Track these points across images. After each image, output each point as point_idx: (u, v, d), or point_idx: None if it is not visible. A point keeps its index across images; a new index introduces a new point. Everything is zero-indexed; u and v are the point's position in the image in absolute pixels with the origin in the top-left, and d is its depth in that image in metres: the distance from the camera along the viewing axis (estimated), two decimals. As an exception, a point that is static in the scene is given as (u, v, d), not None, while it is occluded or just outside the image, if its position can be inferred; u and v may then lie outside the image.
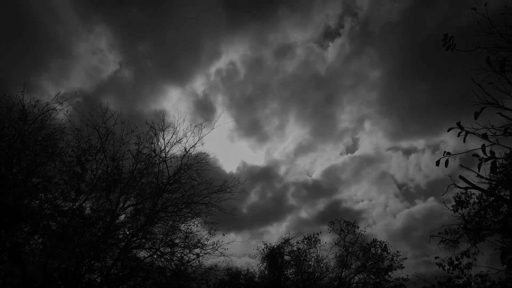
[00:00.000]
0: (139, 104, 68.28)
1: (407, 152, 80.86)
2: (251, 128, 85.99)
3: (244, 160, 79.17)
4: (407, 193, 74.04)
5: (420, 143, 74.93)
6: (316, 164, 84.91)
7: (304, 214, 66.69)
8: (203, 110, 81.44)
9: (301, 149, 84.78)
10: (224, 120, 58.16)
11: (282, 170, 77.91)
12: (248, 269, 25.34)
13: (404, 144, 78.87)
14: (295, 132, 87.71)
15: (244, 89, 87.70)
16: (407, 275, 23.63)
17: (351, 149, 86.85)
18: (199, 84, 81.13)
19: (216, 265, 16.27)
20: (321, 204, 69.60)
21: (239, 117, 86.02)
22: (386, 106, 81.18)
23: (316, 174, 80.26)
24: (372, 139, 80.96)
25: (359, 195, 75.29)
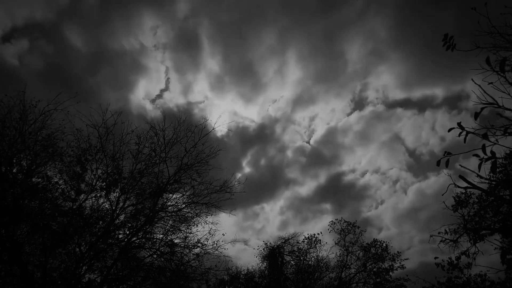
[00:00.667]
0: (108, 37, 57.16)
1: (421, 107, 68.66)
2: (243, 72, 71.35)
3: (236, 118, 67.31)
4: (419, 161, 65.17)
5: (437, 92, 63.75)
6: (317, 122, 74.46)
7: (302, 190, 61.50)
8: (186, 44, 66.42)
9: (301, 102, 72.46)
10: (224, 121, 56.85)
11: (278, 130, 67.03)
12: (248, 269, 25.40)
13: (418, 93, 65.64)
14: (294, 75, 73.56)
15: (233, 16, 67.68)
16: (407, 275, 23.65)
17: (356, 100, 73.17)
18: (181, 5, 64.35)
19: (216, 265, 16.28)
20: (321, 177, 62.83)
21: (228, 57, 70.47)
22: (400, 41, 64.36)
23: (316, 137, 70.16)
24: (382, 85, 68.33)
25: (364, 163, 65.61)
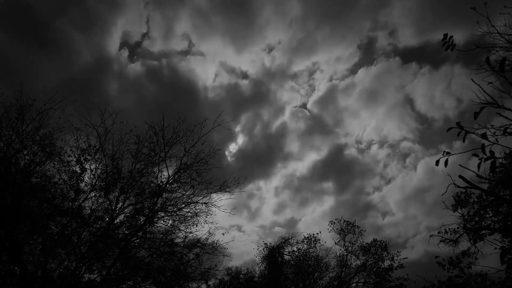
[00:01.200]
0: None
1: (437, 60, 57.52)
2: (235, 7, 59.56)
3: (226, 72, 58.17)
4: (431, 128, 58.21)
5: (457, 37, 55.65)
6: (318, 77, 64.87)
7: (301, 166, 56.23)
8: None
9: (301, 49, 60.81)
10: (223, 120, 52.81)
11: (274, 88, 58.50)
12: (248, 269, 25.41)
13: (434, 38, 56.69)
14: (294, 12, 61.12)
15: None
16: (407, 275, 23.62)
17: (364, 44, 61.60)
18: None
19: (216, 265, 16.29)
20: (322, 151, 56.13)
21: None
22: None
23: (317, 97, 61.19)
24: (392, 28, 58.04)
25: (370, 130, 60.32)
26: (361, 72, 61.54)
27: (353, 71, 62.05)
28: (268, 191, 49.31)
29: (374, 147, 56.71)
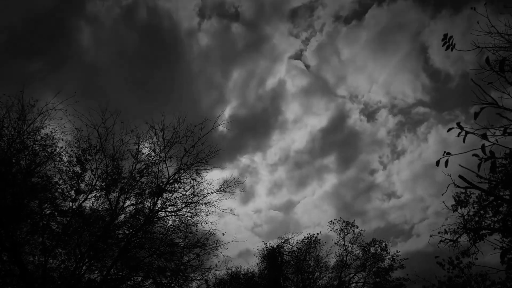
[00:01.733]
0: None
1: (457, 3, 49.76)
2: None
3: (210, 9, 52.18)
4: (445, 87, 50.83)
5: None
6: (320, 14, 58.18)
7: (299, 136, 49.45)
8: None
9: None
10: (223, 120, 50.10)
11: (268, 32, 51.45)
12: (247, 269, 25.43)
13: None
14: None
15: None
16: (407, 275, 23.62)
17: None
18: None
19: (216, 265, 16.31)
20: (323, 117, 49.58)
21: None
22: None
23: (316, 46, 54.37)
24: None
25: (377, 90, 53.70)
26: (370, 13, 55.70)
27: (362, 4, 54.85)
28: (262, 166, 47.09)
29: (382, 113, 52.68)
